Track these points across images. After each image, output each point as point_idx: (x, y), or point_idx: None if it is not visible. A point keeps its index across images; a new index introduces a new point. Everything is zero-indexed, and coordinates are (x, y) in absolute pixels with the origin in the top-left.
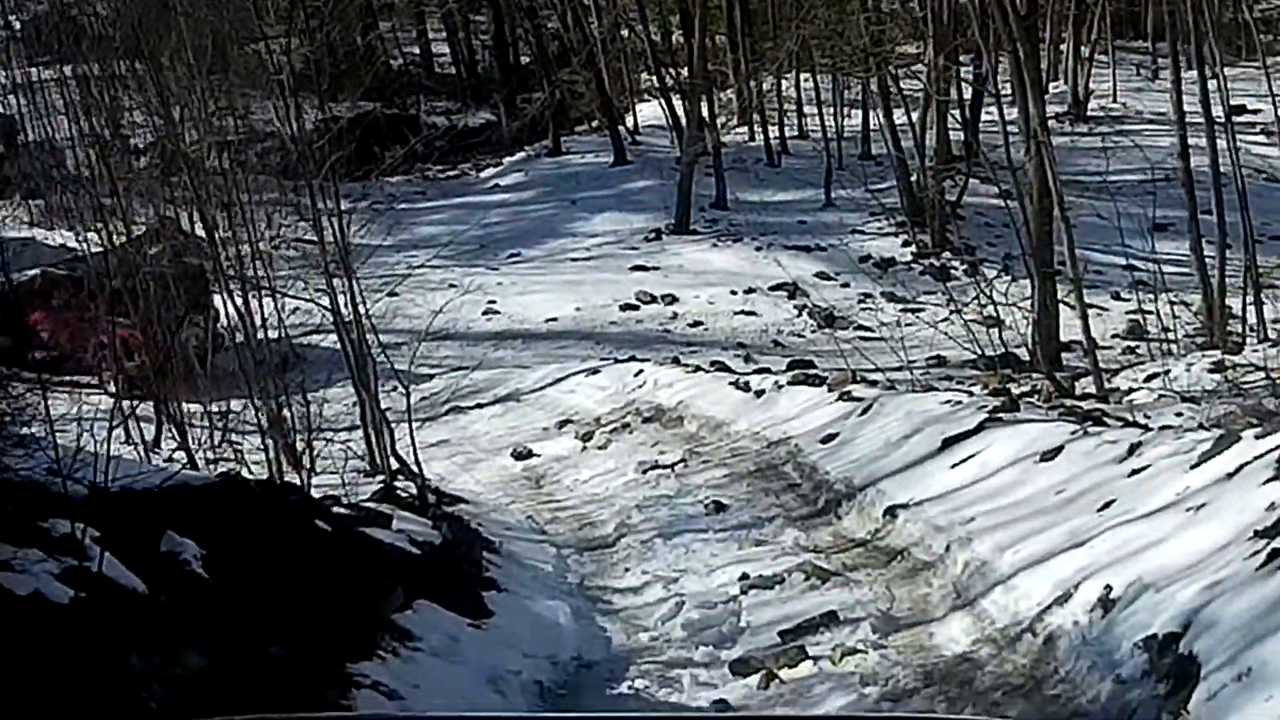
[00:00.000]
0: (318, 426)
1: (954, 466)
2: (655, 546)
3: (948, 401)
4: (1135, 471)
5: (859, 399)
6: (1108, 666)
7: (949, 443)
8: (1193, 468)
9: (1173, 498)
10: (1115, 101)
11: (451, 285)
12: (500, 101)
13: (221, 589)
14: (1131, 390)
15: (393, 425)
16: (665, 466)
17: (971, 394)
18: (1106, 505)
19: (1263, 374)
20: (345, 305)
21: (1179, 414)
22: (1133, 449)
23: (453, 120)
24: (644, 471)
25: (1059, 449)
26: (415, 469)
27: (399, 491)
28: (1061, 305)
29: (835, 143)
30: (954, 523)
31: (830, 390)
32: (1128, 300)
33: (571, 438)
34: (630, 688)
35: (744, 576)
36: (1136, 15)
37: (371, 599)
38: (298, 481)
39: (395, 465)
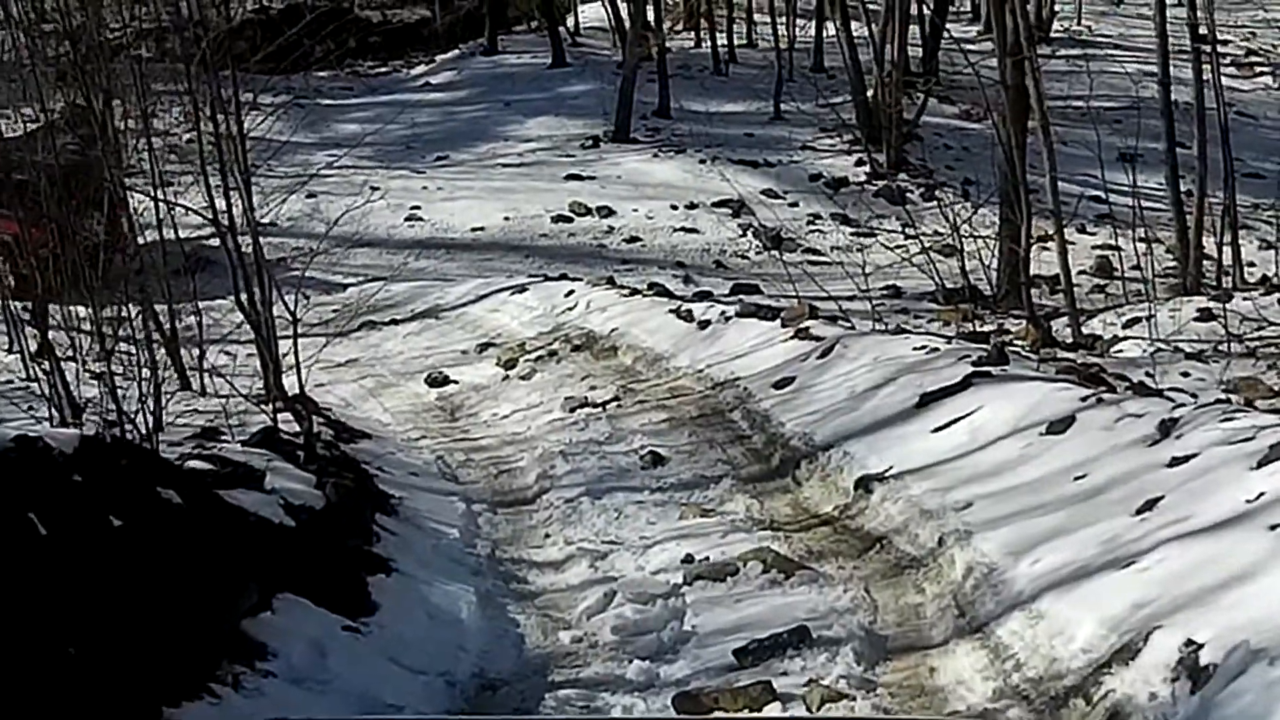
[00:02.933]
0: (221, 338)
1: (937, 430)
2: (582, 507)
3: (922, 347)
4: (1178, 461)
5: (817, 338)
6: None
7: (928, 399)
8: (1261, 465)
9: (1244, 505)
10: (1079, 25)
11: (374, 188)
12: None
13: None
14: (1116, 340)
15: (283, 348)
16: (596, 405)
17: (948, 339)
18: (1149, 505)
19: (1260, 325)
20: (238, 207)
21: (1185, 374)
22: (1166, 428)
23: (387, 15)
24: (572, 410)
25: (1069, 419)
26: (302, 407)
27: (283, 433)
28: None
29: (787, 53)
30: (945, 507)
31: (784, 325)
32: (1094, 235)
33: (493, 364)
34: None
35: (688, 559)
36: None
37: (218, 599)
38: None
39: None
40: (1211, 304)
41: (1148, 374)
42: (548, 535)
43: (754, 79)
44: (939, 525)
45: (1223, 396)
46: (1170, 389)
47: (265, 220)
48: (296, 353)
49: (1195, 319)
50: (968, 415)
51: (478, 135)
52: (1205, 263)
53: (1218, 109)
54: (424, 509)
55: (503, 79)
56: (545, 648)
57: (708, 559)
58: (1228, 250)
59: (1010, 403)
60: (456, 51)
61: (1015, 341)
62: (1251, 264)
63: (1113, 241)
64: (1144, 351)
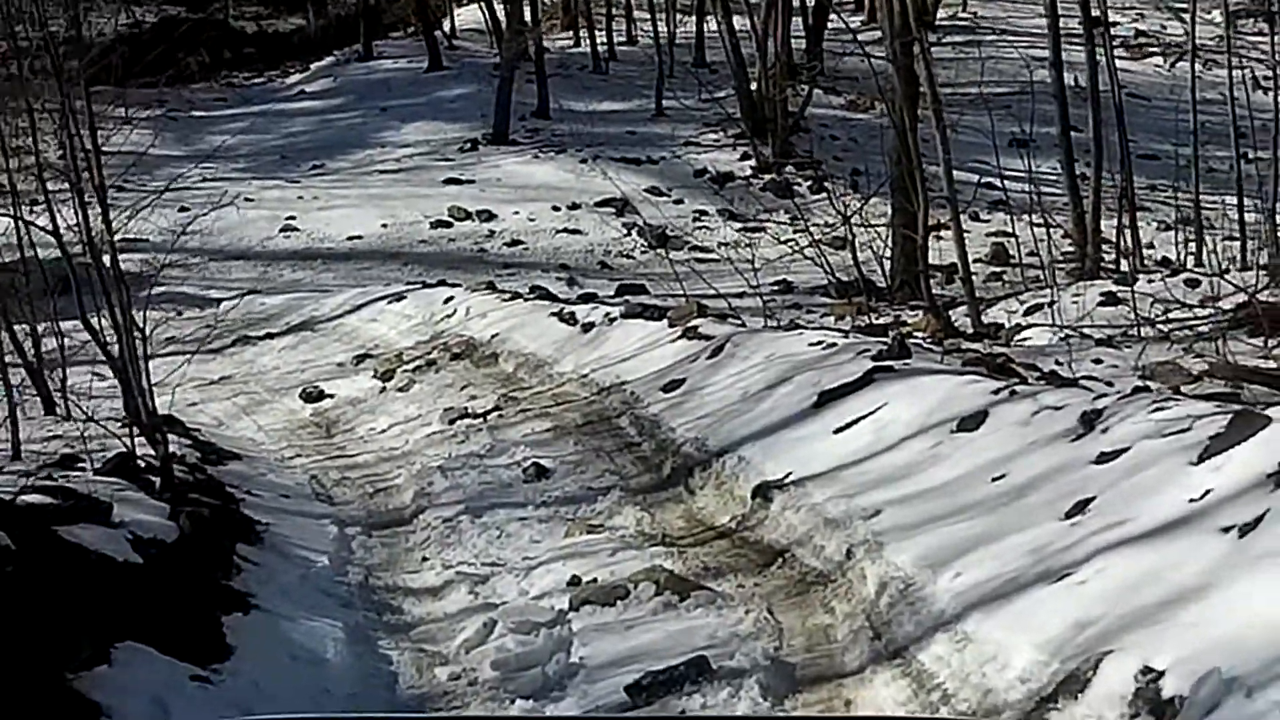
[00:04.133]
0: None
1: (839, 431)
2: (461, 526)
3: (819, 343)
4: (1107, 456)
5: (707, 337)
6: None
7: (828, 398)
8: (1203, 458)
9: (1189, 506)
10: (965, 11)
11: (248, 199)
12: (310, 3)
13: None
14: (1020, 328)
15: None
16: (476, 416)
17: (845, 333)
18: (1080, 508)
19: (1169, 308)
20: (93, 223)
21: (1097, 360)
22: (1089, 420)
23: (262, 25)
24: (451, 422)
25: (982, 414)
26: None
27: (142, 459)
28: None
29: (668, 49)
30: (852, 514)
31: (672, 325)
32: (987, 221)
33: (370, 376)
34: None
35: (574, 581)
36: None
37: (42, 655)
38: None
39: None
40: (1116, 287)
41: (1058, 362)
42: (425, 558)
43: (635, 76)
44: (846, 536)
45: (1141, 384)
46: (1085, 378)
47: (132, 235)
48: (147, 372)
49: (1100, 303)
50: (871, 414)
51: (354, 143)
52: (1104, 246)
53: (1112, 91)
54: (293, 534)
55: (379, 85)
56: (420, 687)
57: (596, 580)
58: (1126, 233)
59: (916, 398)
60: (332, 58)
61: (915, 333)
62: (1150, 246)
63: (1008, 228)
64: (1052, 339)
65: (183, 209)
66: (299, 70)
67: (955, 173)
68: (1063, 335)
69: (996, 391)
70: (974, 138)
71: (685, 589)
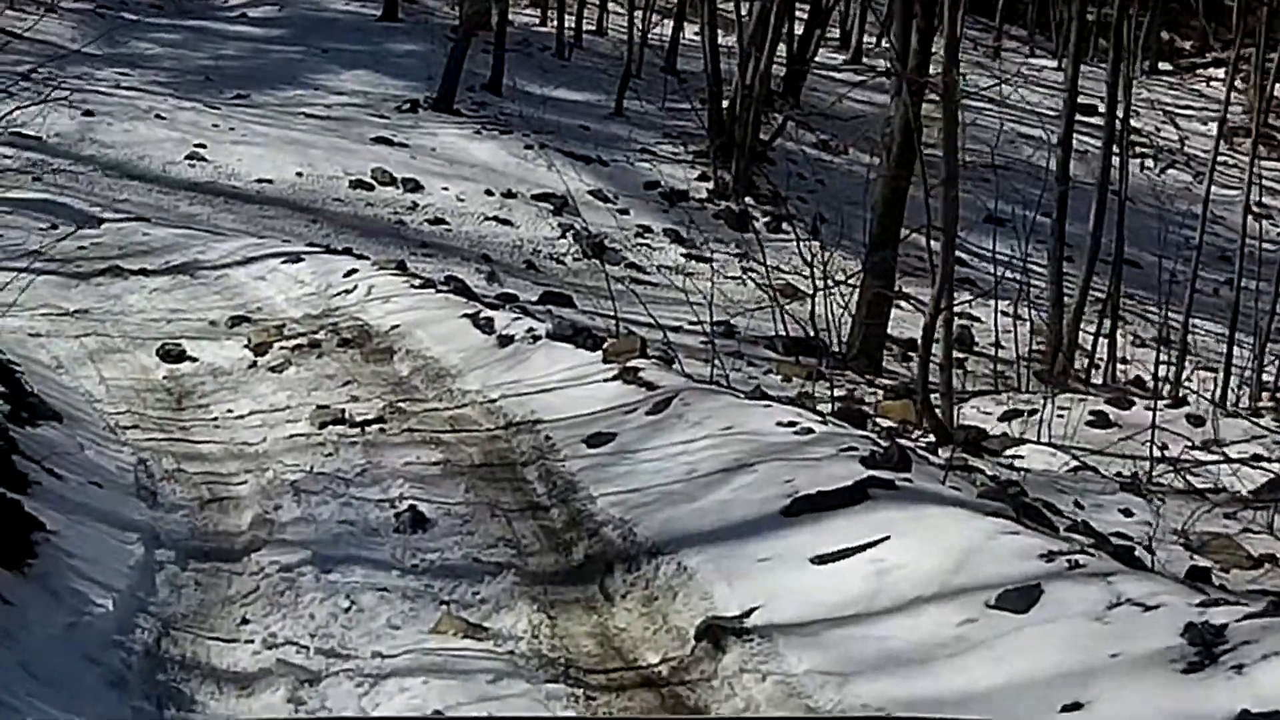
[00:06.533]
0: None
1: (822, 562)
2: (303, 583)
3: (791, 425)
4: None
5: (650, 385)
6: None
7: (805, 507)
8: None
9: None
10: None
11: (159, 116)
12: None
13: None
14: (1010, 440)
15: None
16: (354, 424)
17: (822, 417)
18: None
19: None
20: None
21: (1126, 511)
22: (1205, 642)
23: None
24: (322, 425)
25: (1033, 590)
26: None
27: None
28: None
29: (639, 47)
30: (846, 708)
31: (607, 360)
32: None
33: (242, 345)
34: None
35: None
36: None
37: None
38: None
39: None
40: (1107, 408)
41: (1078, 504)
42: (246, 620)
43: (599, 69)
44: None
45: (1198, 563)
46: (1117, 535)
47: (28, 131)
48: None
49: (1089, 423)
50: (867, 547)
51: (285, 79)
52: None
53: (1120, 189)
54: (82, 551)
55: (326, 24)
56: None
57: None
58: (1103, 342)
59: (930, 540)
60: None
61: (891, 425)
62: (1125, 360)
63: (972, 311)
64: (1054, 465)
65: (87, 113)
66: None
67: (918, 239)
68: (1072, 466)
69: (1047, 556)
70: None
71: None
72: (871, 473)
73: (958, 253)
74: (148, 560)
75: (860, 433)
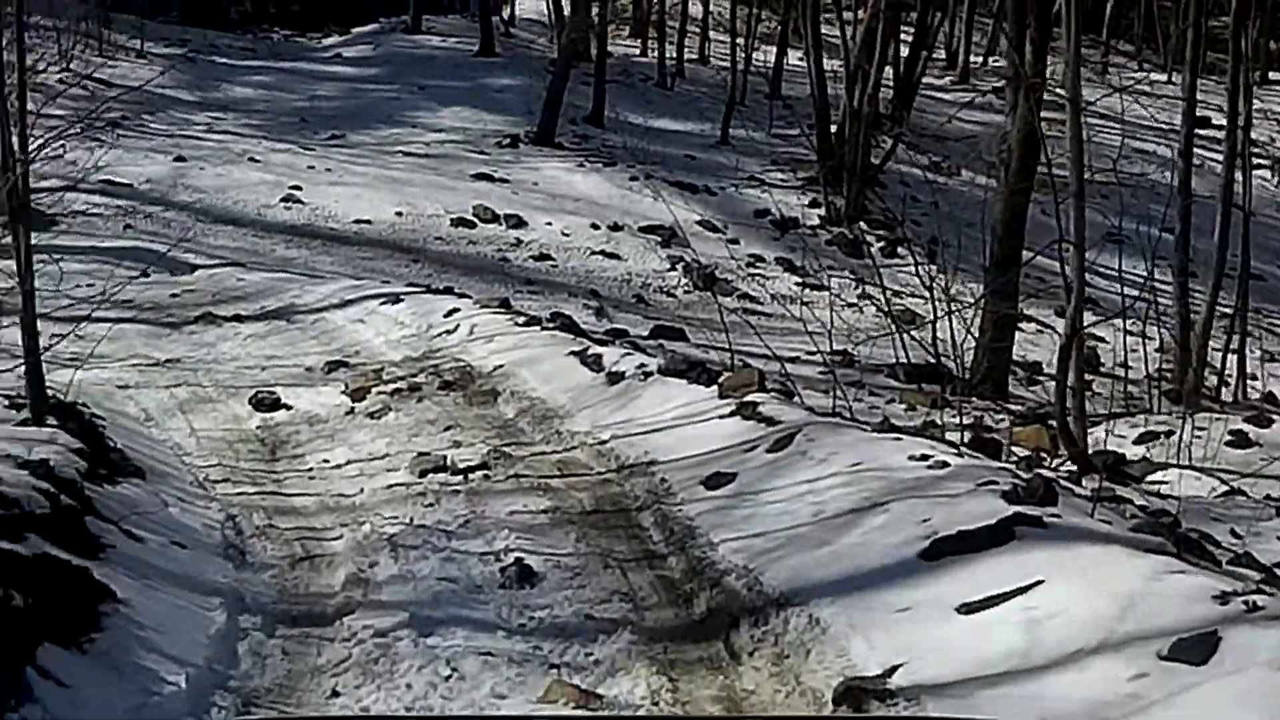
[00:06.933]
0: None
1: (969, 611)
2: (399, 649)
3: (924, 458)
4: None
5: (770, 420)
6: None
7: (946, 550)
8: None
9: None
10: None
11: (253, 159)
12: None
13: None
14: (1151, 465)
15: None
16: (456, 471)
17: (956, 448)
18: None
19: None
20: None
21: None
22: None
23: None
24: (423, 474)
25: (1210, 639)
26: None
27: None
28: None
29: (742, 74)
30: None
31: (724, 395)
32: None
33: (339, 390)
34: None
35: None
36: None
37: None
38: None
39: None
40: (1247, 426)
41: (1234, 534)
42: (336, 693)
43: (702, 98)
44: None
45: None
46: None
47: (116, 179)
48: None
49: (1229, 443)
50: (1019, 593)
51: (382, 118)
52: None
53: (1245, 203)
54: (155, 621)
55: (422, 61)
56: None
57: None
58: (1232, 358)
59: (1087, 583)
60: (376, 25)
61: (1022, 451)
62: (1254, 377)
63: (1095, 331)
64: (1209, 492)
65: (179, 159)
66: (340, 33)
67: (1042, 261)
68: (1221, 490)
69: (1221, 598)
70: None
71: None
72: (1016, 509)
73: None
74: (230, 628)
75: (998, 464)
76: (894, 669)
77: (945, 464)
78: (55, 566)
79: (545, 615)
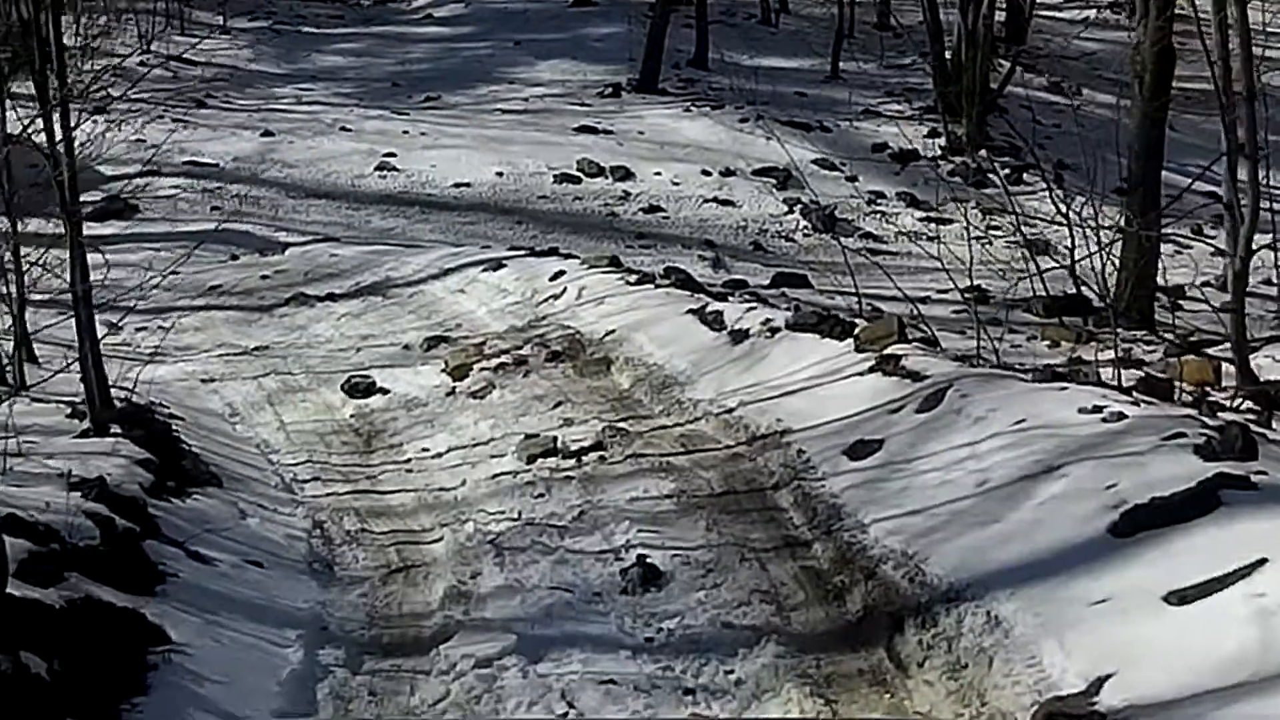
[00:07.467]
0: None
1: (1180, 601)
2: (505, 681)
3: (1097, 410)
4: None
5: (915, 375)
6: None
7: (1140, 523)
8: None
9: None
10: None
11: (344, 129)
12: None
13: None
14: None
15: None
16: (568, 454)
17: (1130, 394)
18: None
19: None
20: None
21: None
22: None
23: None
24: (530, 459)
25: None
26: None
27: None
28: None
29: (849, 5)
30: None
31: (860, 349)
32: (1213, 238)
33: (439, 370)
34: None
35: None
36: None
37: None
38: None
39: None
40: None
41: None
42: None
43: (808, 33)
44: None
45: None
46: None
47: (202, 159)
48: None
49: None
50: (1240, 576)
51: (478, 76)
52: None
53: None
54: (217, 671)
55: (516, 15)
56: None
57: None
58: None
59: None
60: None
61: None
62: None
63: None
64: None
65: (266, 134)
66: None
67: (1172, 177)
68: None
69: None
70: (1193, 138)
71: None
72: (1216, 467)
73: (1211, 186)
74: (307, 667)
75: (1183, 411)
76: (1100, 682)
77: (1122, 415)
78: (97, 613)
79: (675, 625)
